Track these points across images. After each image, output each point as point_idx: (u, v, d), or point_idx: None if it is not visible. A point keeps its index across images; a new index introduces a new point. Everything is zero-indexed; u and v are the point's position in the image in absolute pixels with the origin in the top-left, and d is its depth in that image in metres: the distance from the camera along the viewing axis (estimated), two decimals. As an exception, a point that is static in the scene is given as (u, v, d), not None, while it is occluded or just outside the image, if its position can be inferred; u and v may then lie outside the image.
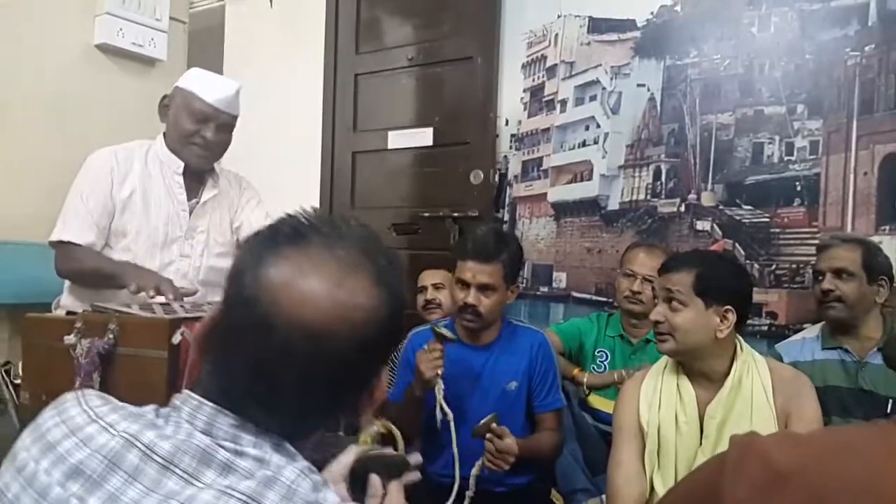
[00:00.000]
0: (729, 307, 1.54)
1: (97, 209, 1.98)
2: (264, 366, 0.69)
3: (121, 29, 2.82)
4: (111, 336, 1.40)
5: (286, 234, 0.72)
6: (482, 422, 1.73)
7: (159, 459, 0.66)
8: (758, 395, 1.54)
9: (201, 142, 2.02)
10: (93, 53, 2.80)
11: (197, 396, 0.71)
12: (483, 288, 1.88)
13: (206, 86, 2.03)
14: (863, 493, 0.45)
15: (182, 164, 2.06)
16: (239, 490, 0.64)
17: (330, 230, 0.73)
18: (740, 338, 1.62)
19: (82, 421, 0.70)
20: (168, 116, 2.06)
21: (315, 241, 0.71)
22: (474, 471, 1.72)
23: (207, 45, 3.50)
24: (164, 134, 2.09)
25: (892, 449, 0.47)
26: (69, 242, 1.95)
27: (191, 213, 2.09)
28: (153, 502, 0.64)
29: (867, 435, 0.50)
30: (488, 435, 1.73)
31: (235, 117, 2.10)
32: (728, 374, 1.56)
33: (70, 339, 1.41)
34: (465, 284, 1.89)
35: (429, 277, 2.54)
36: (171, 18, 3.01)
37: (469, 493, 1.70)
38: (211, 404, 0.70)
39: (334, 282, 0.69)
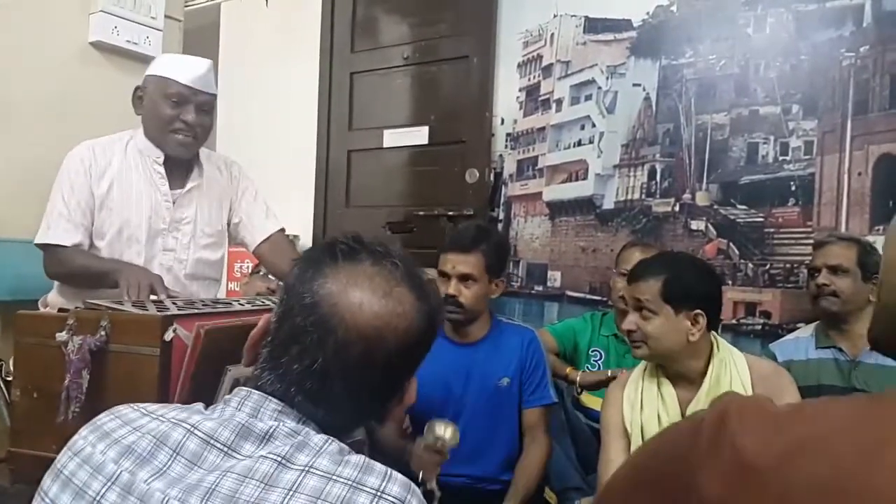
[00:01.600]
0: (699, 311, 1.55)
1: (79, 208, 1.93)
2: (319, 365, 0.77)
3: (115, 27, 2.81)
4: (103, 333, 1.38)
5: (342, 250, 0.82)
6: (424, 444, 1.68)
7: (201, 435, 0.73)
8: (737, 391, 1.55)
9: (183, 126, 1.95)
10: (87, 51, 2.79)
11: (247, 388, 0.79)
12: (463, 278, 1.90)
13: (178, 67, 1.96)
14: (831, 493, 0.44)
15: (162, 154, 1.99)
16: (274, 453, 0.71)
17: (379, 249, 0.83)
18: (717, 336, 1.63)
19: (135, 416, 0.78)
20: (144, 107, 1.99)
21: (366, 257, 0.81)
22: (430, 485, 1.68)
23: (203, 43, 3.49)
24: (143, 125, 2.02)
25: (863, 444, 0.45)
26: (55, 245, 1.91)
27: (175, 202, 2.02)
28: (196, 476, 0.70)
29: (843, 424, 0.48)
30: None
31: (214, 96, 2.03)
32: (705, 373, 1.57)
33: (62, 335, 1.39)
34: (447, 276, 1.91)
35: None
36: (166, 16, 3.00)
37: (438, 495, 1.69)
38: (260, 393, 0.78)
39: (385, 291, 0.79)
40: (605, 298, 2.62)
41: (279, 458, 0.70)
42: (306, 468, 0.70)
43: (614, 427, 1.62)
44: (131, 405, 0.80)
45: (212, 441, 0.73)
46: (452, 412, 1.97)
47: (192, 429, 0.73)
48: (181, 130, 1.96)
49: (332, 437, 0.75)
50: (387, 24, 3.30)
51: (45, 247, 1.94)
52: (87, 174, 1.95)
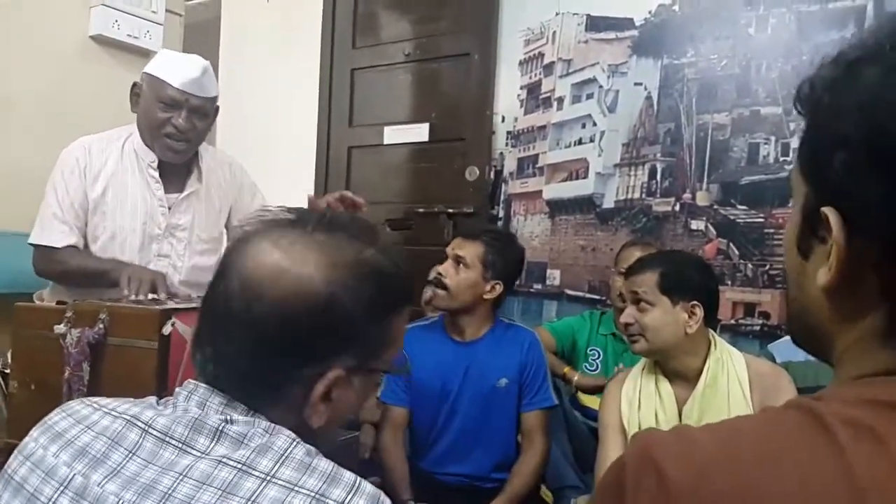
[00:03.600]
0: (695, 302, 1.56)
1: (72, 209, 1.90)
2: (245, 344, 0.74)
3: (116, 20, 2.81)
4: (101, 326, 1.39)
5: (278, 221, 0.80)
6: None
7: (156, 433, 0.71)
8: (734, 391, 1.55)
9: (173, 131, 1.89)
10: (88, 45, 2.79)
11: (194, 381, 0.76)
12: (457, 260, 1.92)
13: (172, 69, 1.88)
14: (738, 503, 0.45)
15: (156, 158, 1.94)
16: (234, 459, 0.68)
17: (316, 220, 0.79)
18: (714, 334, 1.63)
19: (87, 412, 0.75)
20: (139, 106, 1.94)
21: (295, 228, 0.78)
22: None
23: (203, 37, 3.48)
24: (137, 125, 1.97)
25: (766, 454, 0.47)
26: (49, 246, 1.90)
27: (171, 208, 1.97)
28: (151, 474, 0.68)
29: (750, 437, 0.50)
30: None
31: (210, 100, 1.95)
32: (702, 371, 1.58)
33: (60, 328, 1.40)
34: (446, 259, 1.96)
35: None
36: (167, 10, 3.00)
37: None
38: (205, 385, 0.75)
39: (299, 260, 0.74)
40: (604, 297, 2.61)
41: (239, 465, 0.67)
42: (268, 477, 0.66)
43: (612, 425, 1.62)
44: (83, 400, 0.78)
45: (167, 438, 0.70)
46: (448, 408, 1.97)
47: (146, 427, 0.71)
48: (172, 135, 1.90)
49: (296, 439, 0.71)
50: (388, 21, 3.29)
51: (37, 246, 1.93)
52: (82, 175, 1.91)
